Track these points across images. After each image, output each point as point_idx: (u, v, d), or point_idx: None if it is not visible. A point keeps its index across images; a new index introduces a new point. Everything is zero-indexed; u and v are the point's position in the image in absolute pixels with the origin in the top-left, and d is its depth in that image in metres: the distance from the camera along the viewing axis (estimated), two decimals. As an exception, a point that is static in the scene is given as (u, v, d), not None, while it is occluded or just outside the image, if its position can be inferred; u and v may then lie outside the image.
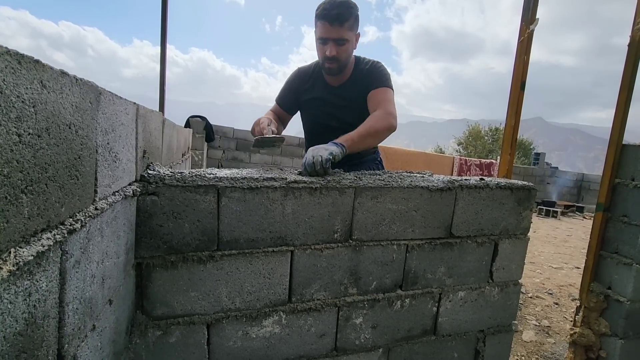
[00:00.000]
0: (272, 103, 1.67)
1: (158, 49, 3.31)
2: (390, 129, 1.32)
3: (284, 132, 1.63)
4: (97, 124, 0.56)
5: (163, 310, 0.87)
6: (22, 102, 0.37)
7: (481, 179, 1.20)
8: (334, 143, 1.15)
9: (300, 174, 1.05)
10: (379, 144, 1.54)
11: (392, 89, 1.44)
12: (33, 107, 0.39)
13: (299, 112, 1.66)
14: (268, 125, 1.27)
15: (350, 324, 1.09)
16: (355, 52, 1.50)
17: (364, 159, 1.61)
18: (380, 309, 1.11)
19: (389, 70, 1.50)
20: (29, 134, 0.39)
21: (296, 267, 0.99)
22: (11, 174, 0.36)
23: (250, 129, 1.38)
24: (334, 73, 1.44)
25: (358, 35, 1.42)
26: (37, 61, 0.39)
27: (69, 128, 0.47)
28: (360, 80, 1.47)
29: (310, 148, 1.10)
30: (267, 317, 0.99)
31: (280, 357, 1.02)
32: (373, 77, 1.45)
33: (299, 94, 1.57)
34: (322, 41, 1.36)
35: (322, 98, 1.53)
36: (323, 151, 1.05)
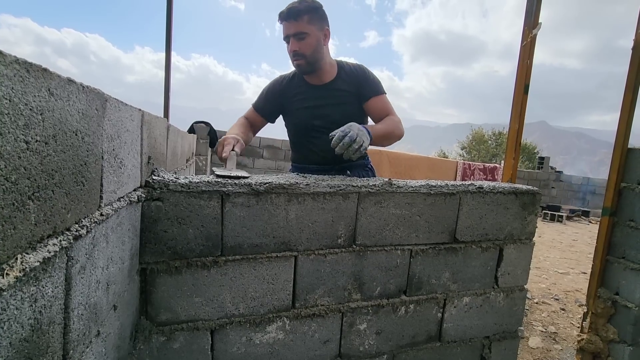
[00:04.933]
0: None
1: (159, 54, 3.35)
2: (401, 136, 1.42)
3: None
4: (102, 131, 0.56)
5: (167, 316, 0.87)
6: (30, 109, 0.37)
7: (480, 187, 1.20)
8: (367, 130, 1.20)
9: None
10: (382, 149, 1.53)
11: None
12: (40, 114, 0.39)
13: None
14: (232, 150, 1.26)
15: (355, 330, 1.08)
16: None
17: (353, 163, 1.53)
18: (384, 314, 1.11)
19: (382, 74, 1.53)
20: (37, 141, 0.39)
21: (300, 273, 0.99)
22: (18, 181, 0.36)
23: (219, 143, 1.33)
24: (303, 70, 1.42)
25: (327, 32, 1.39)
26: (45, 69, 0.40)
27: (76, 135, 0.48)
28: (348, 80, 1.46)
29: (354, 125, 1.14)
30: (271, 323, 0.98)
31: (284, 363, 1.01)
32: (366, 82, 1.45)
33: (282, 99, 1.54)
34: (286, 40, 1.37)
35: (305, 99, 1.50)
36: (364, 138, 1.13)
